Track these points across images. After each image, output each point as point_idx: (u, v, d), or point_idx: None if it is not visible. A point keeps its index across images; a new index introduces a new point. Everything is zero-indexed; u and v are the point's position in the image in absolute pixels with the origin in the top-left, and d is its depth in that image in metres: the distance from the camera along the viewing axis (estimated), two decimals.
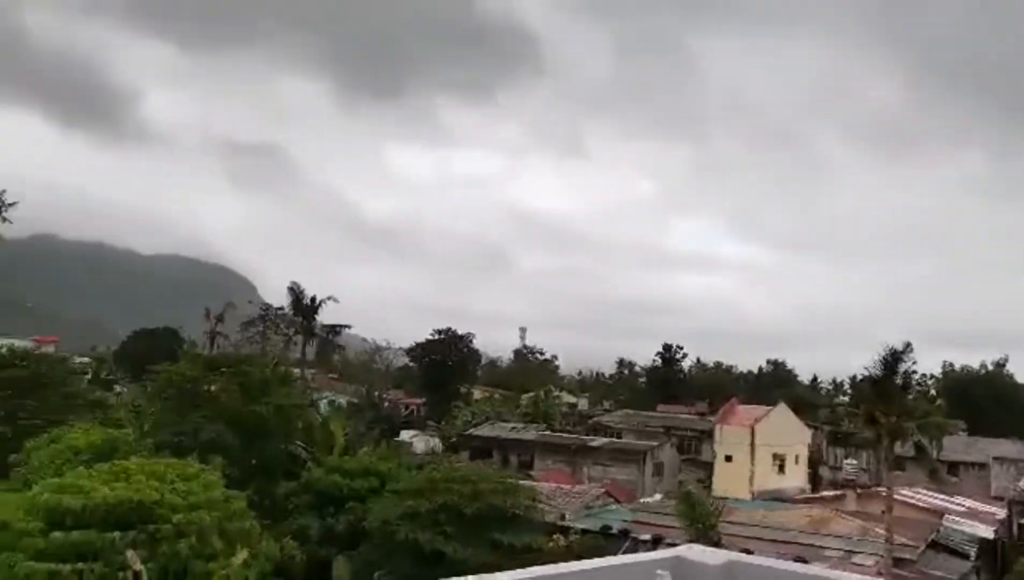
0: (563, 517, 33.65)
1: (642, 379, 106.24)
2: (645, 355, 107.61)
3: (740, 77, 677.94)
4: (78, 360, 64.32)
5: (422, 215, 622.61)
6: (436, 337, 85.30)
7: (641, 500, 43.79)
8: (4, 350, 41.59)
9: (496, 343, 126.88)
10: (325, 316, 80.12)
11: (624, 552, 28.99)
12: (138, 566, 17.43)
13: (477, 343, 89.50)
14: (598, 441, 58.91)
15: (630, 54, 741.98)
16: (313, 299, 78.47)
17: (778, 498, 45.99)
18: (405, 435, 64.17)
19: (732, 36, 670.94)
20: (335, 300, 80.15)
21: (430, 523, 26.87)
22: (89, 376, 60.75)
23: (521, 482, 33.31)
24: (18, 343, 60.61)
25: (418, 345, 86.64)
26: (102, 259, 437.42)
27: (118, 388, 64.89)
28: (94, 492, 20.51)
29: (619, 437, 62.76)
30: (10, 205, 74.85)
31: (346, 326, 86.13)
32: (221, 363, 37.92)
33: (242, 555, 20.80)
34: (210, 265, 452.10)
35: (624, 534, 31.94)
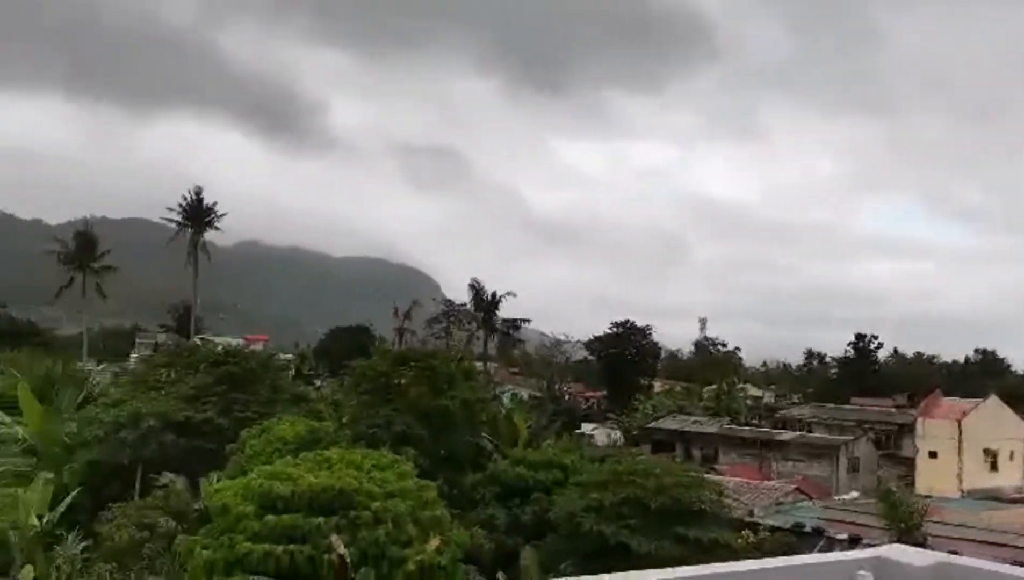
0: (751, 513, 32.67)
1: (833, 371, 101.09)
2: (835, 345, 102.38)
3: (933, 47, 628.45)
4: (282, 357, 69.22)
5: (596, 208, 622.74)
6: (615, 330, 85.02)
7: (836, 497, 41.73)
8: (220, 348, 45.45)
9: (676, 335, 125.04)
10: (505, 311, 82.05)
11: (819, 551, 27.78)
12: (341, 550, 18.54)
13: (656, 335, 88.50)
14: (787, 435, 56.65)
15: (809, 29, 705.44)
16: (493, 295, 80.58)
17: (992, 497, 42.44)
18: (586, 428, 64.53)
19: (921, 4, 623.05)
20: (513, 295, 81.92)
21: (614, 516, 26.88)
22: (292, 372, 65.25)
23: (706, 476, 32.65)
24: (231, 342, 66.25)
25: (597, 338, 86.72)
26: (298, 262, 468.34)
27: (318, 383, 69.27)
28: (301, 479, 22.07)
29: (809, 431, 60.09)
30: (221, 216, 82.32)
31: (525, 321, 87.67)
32: (409, 358, 39.52)
33: (435, 542, 21.68)
34: (396, 265, 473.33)
35: (818, 532, 30.58)
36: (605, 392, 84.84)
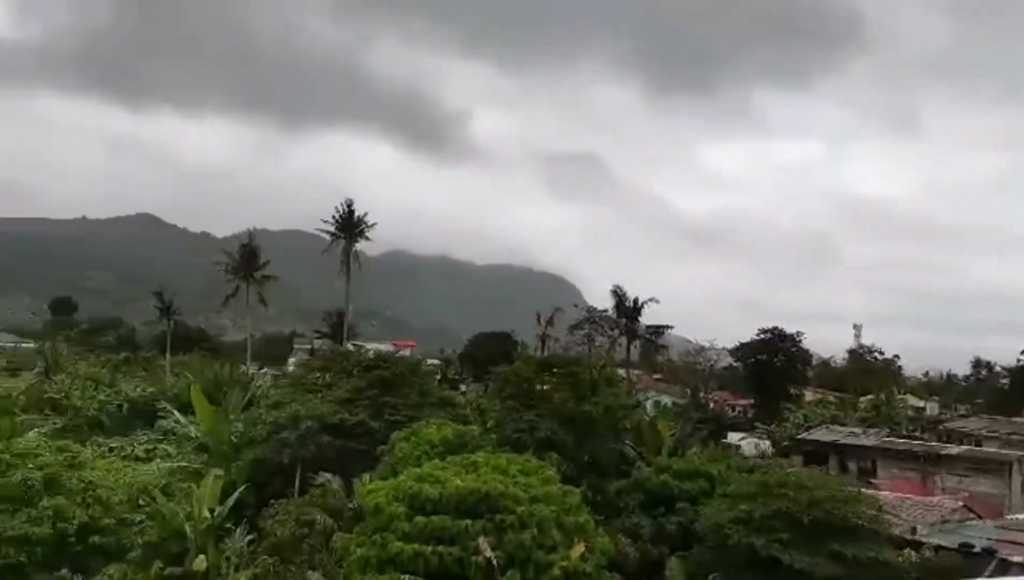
0: (914, 531, 30.82)
1: (1005, 380, 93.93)
2: (1004, 352, 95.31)
3: None
4: (429, 362, 71.16)
5: (740, 209, 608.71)
6: (762, 336, 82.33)
7: (1008, 517, 38.73)
8: (371, 353, 47.24)
9: (827, 341, 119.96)
10: (647, 317, 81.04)
11: (991, 574, 25.93)
12: (488, 553, 18.88)
13: (806, 342, 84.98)
14: (954, 449, 53.08)
15: (968, 16, 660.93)
16: (635, 301, 79.70)
17: None
18: (732, 437, 62.74)
19: None
20: (656, 301, 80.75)
21: (764, 529, 26.02)
22: (439, 376, 66.93)
23: (862, 491, 31.08)
24: (380, 347, 68.79)
25: (743, 345, 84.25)
26: (445, 270, 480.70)
27: (463, 387, 70.78)
28: (448, 482, 22.62)
29: (978, 445, 56.10)
30: (371, 226, 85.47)
31: (668, 327, 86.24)
32: (552, 364, 39.82)
33: (579, 548, 21.70)
34: (538, 272, 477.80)
35: (989, 553, 28.46)
36: (752, 400, 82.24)
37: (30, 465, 28.46)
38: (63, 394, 54.07)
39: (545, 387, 37.53)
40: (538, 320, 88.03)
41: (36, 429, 37.88)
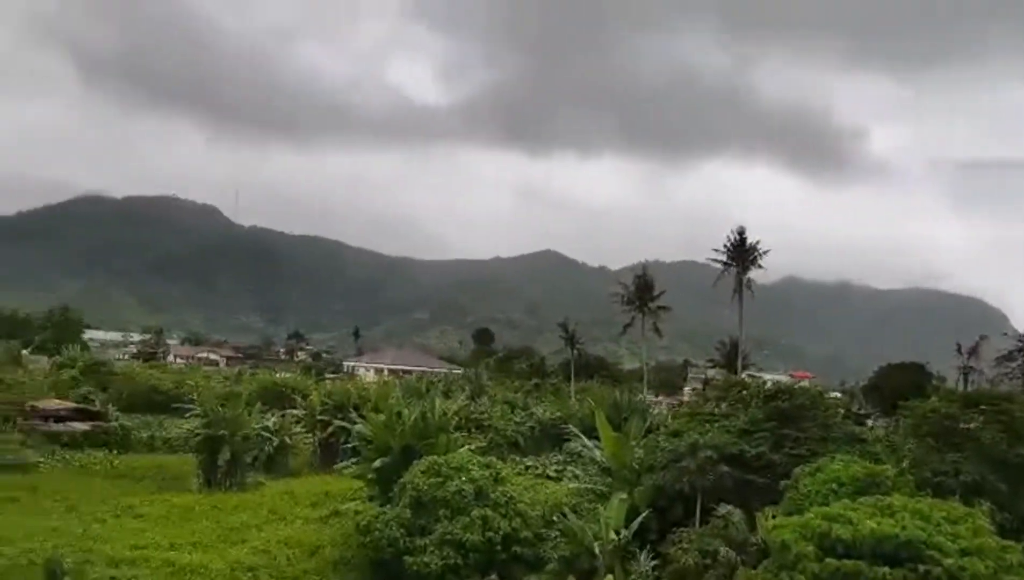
0: None
1: None
2: None
3: None
4: (831, 394, 67.44)
5: None
6: None
7: None
8: (768, 384, 45.95)
9: None
10: None
11: None
12: None
13: None
14: None
15: None
16: None
17: None
18: None
19: None
20: None
21: None
22: (843, 410, 62.97)
23: None
24: (776, 378, 66.65)
25: None
26: (840, 296, 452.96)
27: (869, 422, 65.80)
28: (861, 524, 21.22)
29: None
30: (763, 254, 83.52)
31: None
32: (979, 400, 35.66)
33: None
34: (952, 296, 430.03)
35: None
36: None
37: (463, 477, 32.20)
38: (486, 415, 60.48)
39: (971, 426, 33.68)
40: (958, 350, 79.11)
41: (467, 446, 42.73)
